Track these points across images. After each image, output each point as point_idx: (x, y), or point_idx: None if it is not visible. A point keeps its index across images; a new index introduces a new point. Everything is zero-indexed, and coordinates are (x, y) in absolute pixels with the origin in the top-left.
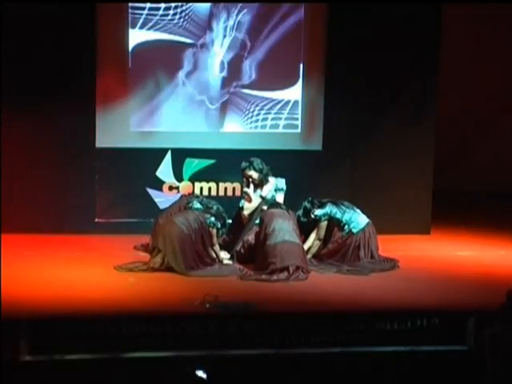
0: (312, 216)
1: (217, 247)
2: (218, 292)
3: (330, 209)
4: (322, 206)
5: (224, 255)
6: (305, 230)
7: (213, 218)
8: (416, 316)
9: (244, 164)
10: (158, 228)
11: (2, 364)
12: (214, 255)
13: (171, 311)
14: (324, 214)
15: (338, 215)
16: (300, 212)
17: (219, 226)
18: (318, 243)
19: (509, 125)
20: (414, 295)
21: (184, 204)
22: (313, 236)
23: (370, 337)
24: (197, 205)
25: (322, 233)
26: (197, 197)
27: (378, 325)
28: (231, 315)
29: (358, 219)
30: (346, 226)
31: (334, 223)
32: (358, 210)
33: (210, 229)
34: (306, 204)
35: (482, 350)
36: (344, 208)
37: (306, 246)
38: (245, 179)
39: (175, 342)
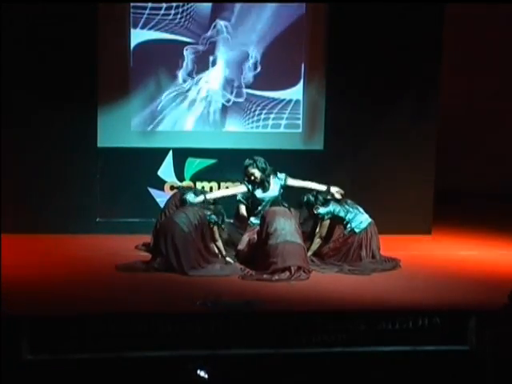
0: (315, 212)
1: (219, 242)
2: (219, 292)
3: (333, 207)
4: (325, 203)
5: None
6: (305, 227)
7: (214, 216)
8: (417, 316)
9: (248, 161)
10: (158, 227)
11: (3, 363)
12: (217, 250)
13: (171, 311)
14: (327, 213)
15: (342, 214)
16: (302, 204)
17: (220, 223)
18: (319, 241)
19: (509, 125)
20: (415, 295)
21: (178, 198)
22: (315, 236)
23: (371, 336)
24: (191, 196)
25: (324, 231)
26: (189, 188)
27: (379, 324)
28: (232, 313)
29: (360, 219)
30: (349, 225)
31: (337, 221)
32: (361, 210)
33: (211, 225)
34: (310, 197)
35: (484, 349)
36: (347, 207)
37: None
38: (246, 177)
39: (175, 342)
